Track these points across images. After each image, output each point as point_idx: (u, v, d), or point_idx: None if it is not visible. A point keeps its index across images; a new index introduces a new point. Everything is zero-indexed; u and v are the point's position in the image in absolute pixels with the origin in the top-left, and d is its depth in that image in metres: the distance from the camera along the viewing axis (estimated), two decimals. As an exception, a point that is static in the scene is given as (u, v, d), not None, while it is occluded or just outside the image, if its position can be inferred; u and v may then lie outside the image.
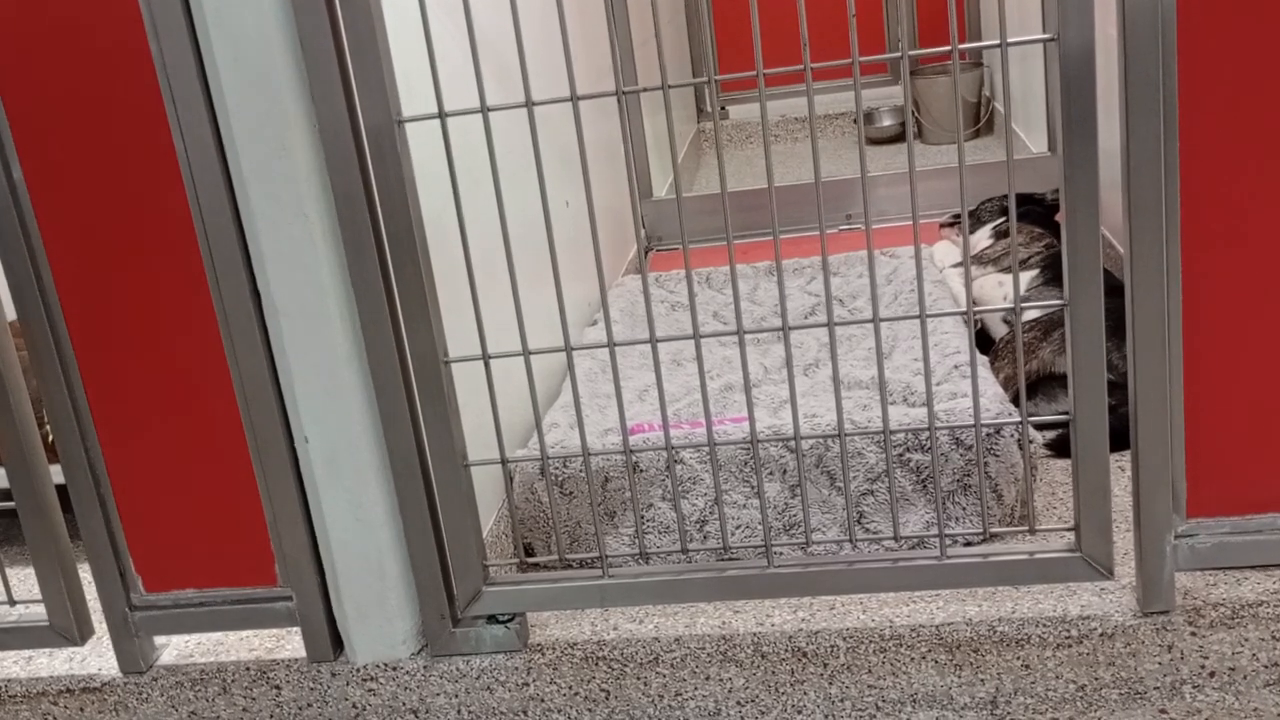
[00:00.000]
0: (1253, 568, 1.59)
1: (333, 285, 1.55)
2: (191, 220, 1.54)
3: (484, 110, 1.49)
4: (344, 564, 1.66)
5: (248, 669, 1.75)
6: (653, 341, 1.57)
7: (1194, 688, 1.47)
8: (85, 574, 1.76)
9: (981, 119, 4.37)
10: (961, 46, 1.44)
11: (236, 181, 1.52)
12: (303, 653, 1.74)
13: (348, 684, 1.72)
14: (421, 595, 1.68)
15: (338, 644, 1.73)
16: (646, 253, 3.40)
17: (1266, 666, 1.47)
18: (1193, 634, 1.53)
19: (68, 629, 1.76)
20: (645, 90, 1.53)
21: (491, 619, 1.68)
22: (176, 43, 1.47)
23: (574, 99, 1.48)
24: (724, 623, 1.67)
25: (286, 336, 1.57)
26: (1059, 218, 1.50)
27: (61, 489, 1.71)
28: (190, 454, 1.65)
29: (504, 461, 1.66)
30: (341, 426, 1.60)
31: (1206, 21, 1.38)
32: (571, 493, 1.92)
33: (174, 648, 1.81)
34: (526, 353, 1.58)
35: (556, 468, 1.90)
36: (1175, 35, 1.38)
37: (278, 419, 1.61)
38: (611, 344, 1.59)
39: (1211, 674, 1.49)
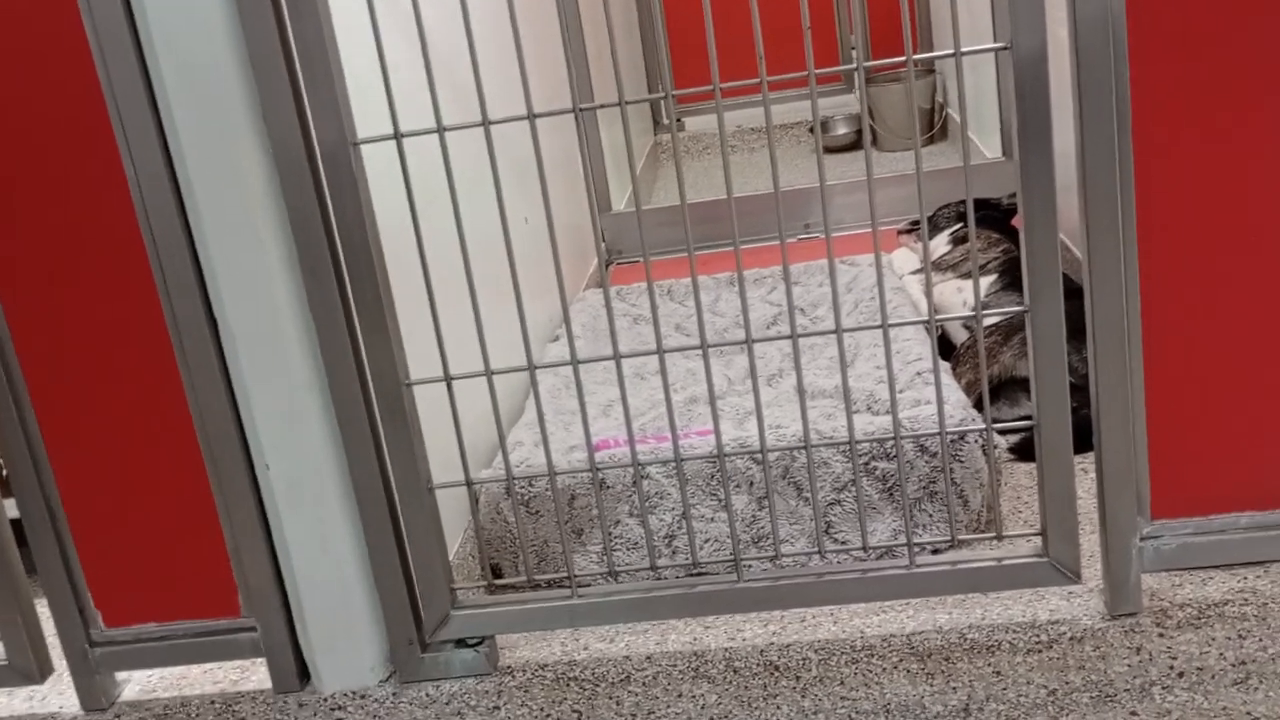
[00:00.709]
0: (1217, 567, 1.60)
1: (290, 310, 1.53)
2: (144, 247, 1.52)
3: (440, 130, 1.48)
4: (308, 592, 1.64)
5: (212, 703, 1.72)
6: (616, 358, 1.56)
7: (1163, 688, 1.48)
8: (43, 609, 1.72)
9: (935, 125, 4.40)
10: (916, 57, 1.45)
11: (189, 207, 1.50)
12: (268, 684, 1.71)
13: (315, 714, 1.70)
14: (388, 621, 1.66)
15: (304, 674, 1.70)
16: (607, 266, 3.40)
17: (1234, 665, 1.48)
18: (1160, 635, 1.54)
19: (27, 668, 1.72)
20: (602, 107, 1.53)
21: (460, 643, 1.67)
22: (124, 68, 1.44)
23: (531, 117, 1.47)
24: (695, 639, 1.66)
25: (244, 363, 1.54)
26: (1016, 222, 1.51)
27: (16, 523, 1.67)
28: (148, 485, 1.63)
29: (469, 484, 1.64)
30: (303, 453, 1.58)
31: (1156, 26, 1.39)
32: (538, 512, 1.91)
33: (136, 683, 1.78)
34: (489, 373, 1.57)
35: (522, 487, 1.89)
36: (1126, 39, 1.39)
37: (237, 447, 1.58)
38: (575, 361, 1.58)
39: (1180, 674, 1.49)
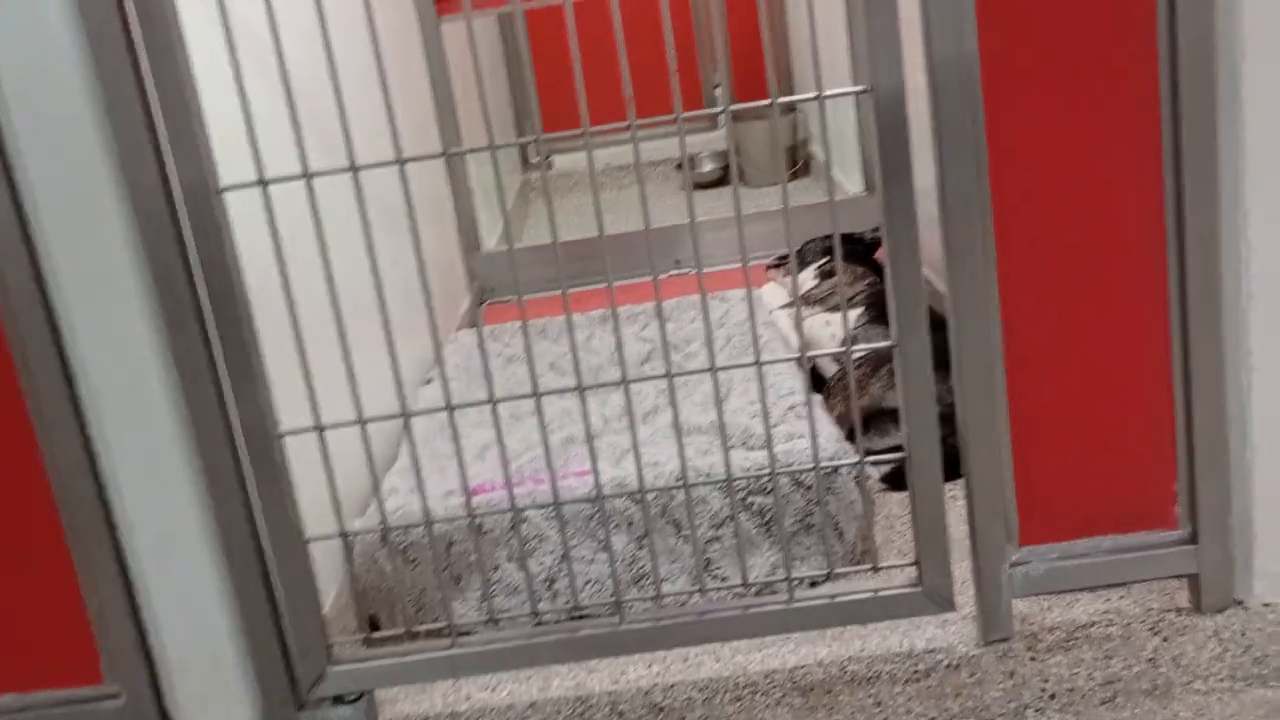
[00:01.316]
0: (1083, 590, 1.65)
1: (153, 363, 1.47)
2: (-7, 302, 1.45)
3: (307, 176, 1.45)
4: (176, 654, 1.58)
5: (74, 774, 1.64)
6: (492, 402, 1.54)
7: (1036, 711, 1.52)
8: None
9: (799, 162, 4.49)
10: (781, 100, 1.48)
11: (44, 259, 1.43)
12: (135, 752, 1.64)
13: (186, 780, 1.63)
14: (262, 681, 1.60)
15: (173, 739, 1.63)
16: (480, 306, 3.37)
17: (1101, 685, 1.53)
18: (1032, 659, 1.58)
19: None
20: (472, 151, 1.52)
21: (338, 699, 1.62)
22: (-31, 115, 1.38)
23: (400, 162, 1.45)
24: (579, 683, 1.65)
25: (106, 419, 1.48)
26: (880, 255, 1.55)
27: None
28: (1, 549, 1.55)
29: (344, 535, 1.60)
30: (168, 509, 1.52)
31: (1008, 65, 1.44)
32: (415, 560, 1.87)
33: (-10, 757, 1.69)
34: (362, 420, 1.54)
35: (398, 535, 1.85)
36: (979, 79, 1.44)
37: (96, 505, 1.52)
38: (450, 406, 1.56)
39: (1052, 696, 1.54)
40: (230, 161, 1.47)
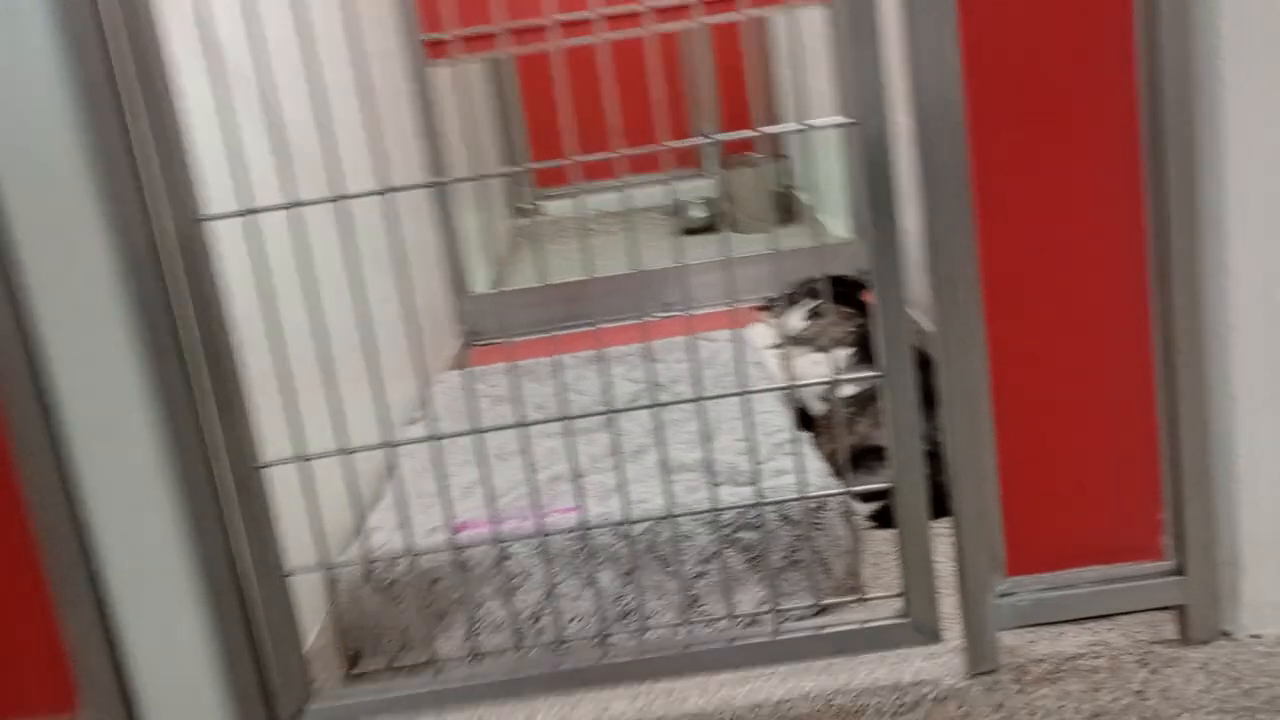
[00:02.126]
0: (1070, 621, 1.64)
1: (135, 393, 1.47)
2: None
3: (290, 205, 1.45)
4: (153, 690, 1.56)
5: (49, 813, 1.61)
6: (478, 432, 1.54)
7: (1025, 745, 1.51)
8: None
9: (787, 207, 4.52)
10: (766, 130, 1.49)
11: (21, 288, 1.43)
12: (110, 789, 1.61)
13: (162, 819, 1.60)
14: (241, 716, 1.58)
15: (150, 776, 1.61)
16: (467, 348, 3.37)
17: (1090, 717, 1.52)
18: (1019, 691, 1.57)
19: None
20: (459, 180, 1.53)
21: (318, 735, 1.60)
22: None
23: (386, 191, 1.46)
24: (562, 717, 1.63)
25: (83, 451, 1.47)
26: (866, 297, 1.55)
27: None
28: (-22, 581, 1.53)
29: (326, 568, 1.59)
30: (148, 541, 1.51)
31: (992, 105, 1.46)
32: (398, 597, 1.85)
33: (-36, 796, 1.66)
34: (345, 451, 1.53)
35: (381, 570, 1.83)
36: (964, 119, 1.45)
37: (73, 538, 1.50)
38: (436, 437, 1.56)
39: (1040, 730, 1.52)
40: (221, 191, 1.48)
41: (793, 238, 4.30)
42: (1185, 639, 1.59)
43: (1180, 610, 1.59)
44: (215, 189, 1.48)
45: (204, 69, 1.45)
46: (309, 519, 1.55)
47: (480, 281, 3.65)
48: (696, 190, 4.87)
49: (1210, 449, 1.54)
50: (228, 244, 1.48)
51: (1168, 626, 1.62)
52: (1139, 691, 1.54)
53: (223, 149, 1.44)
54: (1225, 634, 1.59)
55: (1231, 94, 1.44)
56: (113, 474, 1.49)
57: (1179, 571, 1.57)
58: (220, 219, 1.45)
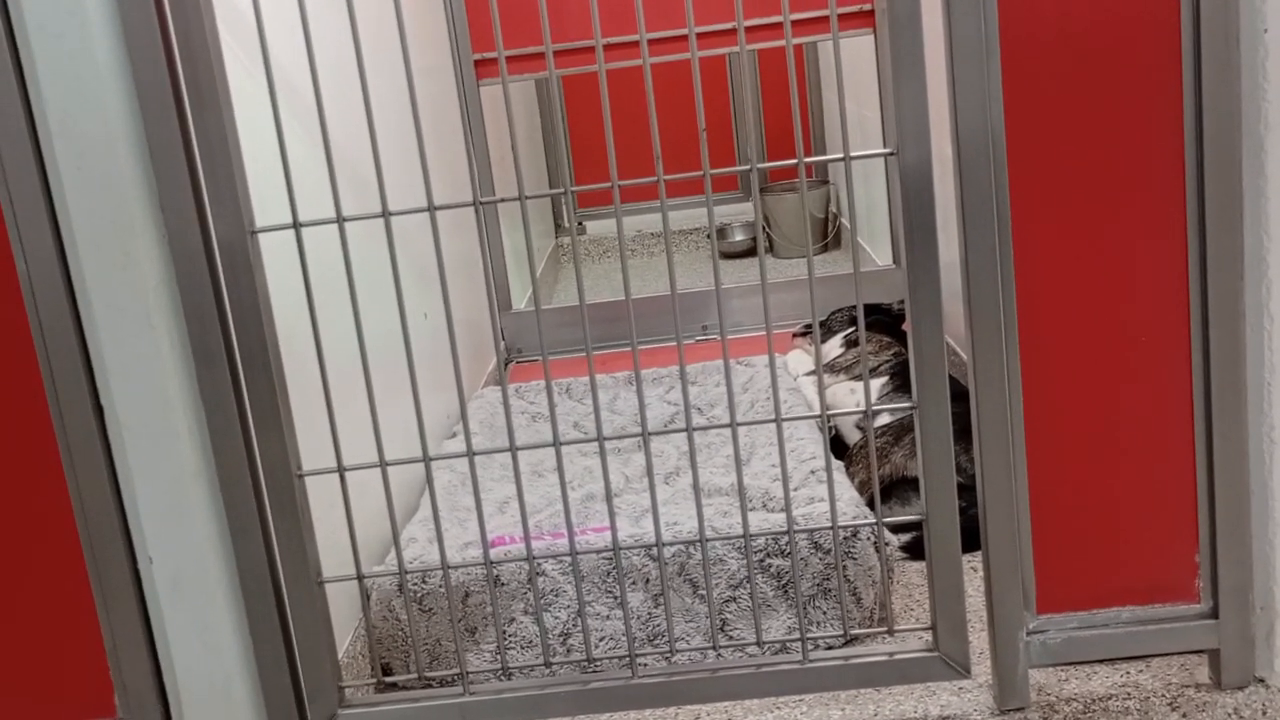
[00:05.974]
0: (1101, 661, 1.63)
1: (181, 398, 1.50)
2: (29, 330, 1.48)
3: (339, 220, 1.48)
4: (189, 691, 1.58)
5: (81, 810, 1.64)
6: (513, 450, 1.55)
7: (1052, 783, 1.50)
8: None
9: (829, 234, 4.53)
10: (807, 160, 1.50)
11: (79, 292, 1.47)
12: (143, 789, 1.63)
13: (191, 821, 1.62)
14: (272, 721, 1.60)
15: (181, 778, 1.63)
16: (506, 364, 3.40)
17: (1119, 759, 1.51)
18: (1048, 729, 1.56)
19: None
20: (503, 200, 1.55)
21: (347, 744, 1.62)
22: (17, 147, 1.42)
23: (431, 209, 1.48)
24: (589, 737, 1.64)
25: (131, 452, 1.50)
26: (906, 326, 1.56)
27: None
28: (21, 577, 1.56)
29: (360, 578, 1.61)
30: (188, 545, 1.53)
31: (1034, 138, 1.47)
32: (431, 609, 1.87)
33: (-1, 790, 1.69)
34: (383, 464, 1.55)
35: (415, 583, 1.85)
36: (1005, 151, 1.46)
37: (119, 539, 1.53)
38: (471, 453, 1.58)
39: (1068, 769, 1.51)
40: (266, 206, 1.51)
41: (834, 264, 4.31)
42: (1218, 683, 1.57)
43: (1213, 654, 1.58)
44: (266, 201, 1.51)
45: (259, 83, 1.48)
46: (345, 529, 1.57)
47: (521, 299, 3.68)
48: (738, 214, 4.89)
49: (1247, 491, 1.53)
50: (275, 254, 1.51)
51: (1201, 670, 1.60)
52: (1169, 734, 1.53)
53: (274, 161, 1.47)
54: (1259, 680, 1.57)
55: (1276, 136, 1.43)
56: (157, 478, 1.51)
57: (1213, 615, 1.56)
58: (271, 231, 1.48)
